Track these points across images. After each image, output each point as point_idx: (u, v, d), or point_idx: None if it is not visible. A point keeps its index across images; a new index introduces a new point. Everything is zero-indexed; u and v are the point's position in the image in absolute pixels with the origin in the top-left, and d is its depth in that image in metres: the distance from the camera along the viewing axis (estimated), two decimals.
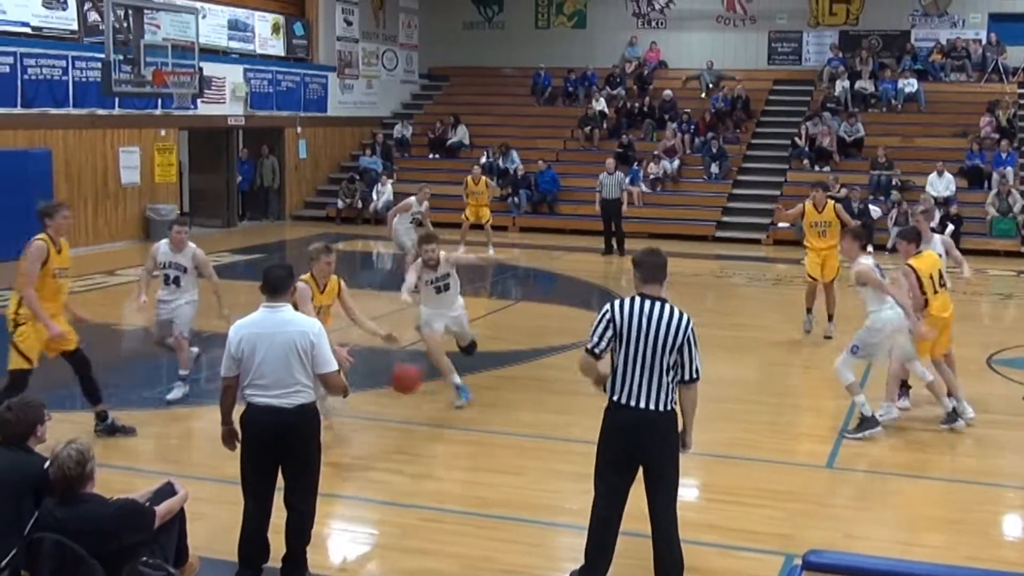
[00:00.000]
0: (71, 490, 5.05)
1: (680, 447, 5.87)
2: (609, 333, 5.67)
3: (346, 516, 7.26)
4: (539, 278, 18.75)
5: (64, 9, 18.86)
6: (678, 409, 5.81)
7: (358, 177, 24.87)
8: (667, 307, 5.70)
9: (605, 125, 26.16)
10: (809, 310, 13.14)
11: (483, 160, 25.02)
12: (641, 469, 5.77)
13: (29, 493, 5.17)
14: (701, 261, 19.49)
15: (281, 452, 5.86)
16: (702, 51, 28.04)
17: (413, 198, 16.35)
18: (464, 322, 10.26)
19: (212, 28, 21.96)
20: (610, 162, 20.65)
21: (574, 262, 19.39)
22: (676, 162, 24.33)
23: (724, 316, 14.72)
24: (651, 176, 23.99)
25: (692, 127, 25.38)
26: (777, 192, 23.35)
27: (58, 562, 4.82)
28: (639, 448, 5.71)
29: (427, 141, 26.75)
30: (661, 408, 5.67)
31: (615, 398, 5.71)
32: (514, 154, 24.79)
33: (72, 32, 19.05)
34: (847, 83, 25.66)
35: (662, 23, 29.10)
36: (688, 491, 8.06)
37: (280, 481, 5.99)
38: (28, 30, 18.28)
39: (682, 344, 5.66)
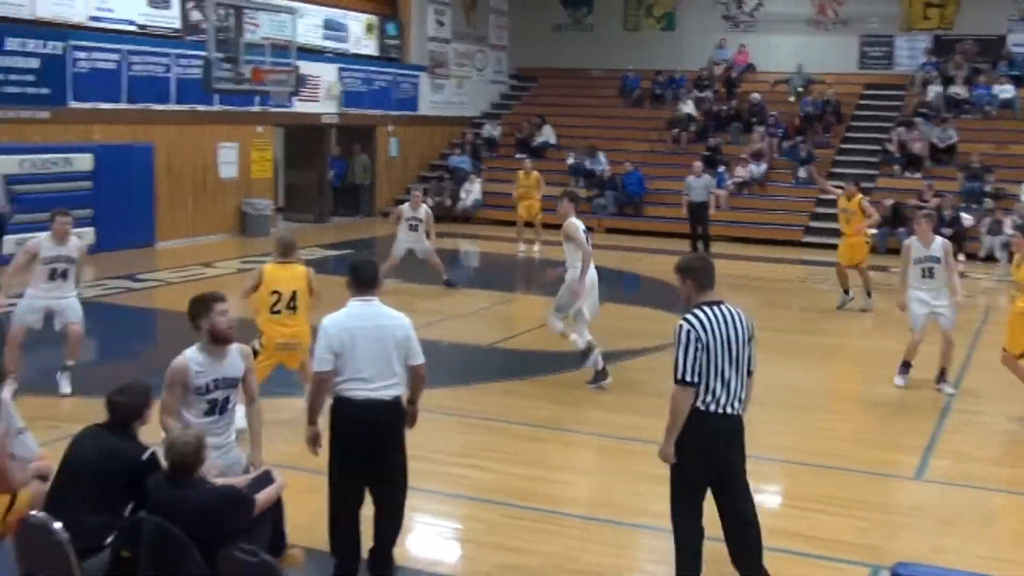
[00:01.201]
0: (182, 474, 5.18)
1: None
2: (699, 353, 5.50)
3: (431, 510, 7.31)
4: (624, 280, 18.79)
5: (168, 8, 19.37)
6: None
7: (447, 176, 25.17)
8: (733, 309, 5.70)
9: (692, 128, 26.08)
10: (846, 291, 15.03)
11: (570, 161, 25.18)
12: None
13: (124, 480, 5.28)
14: (787, 266, 19.35)
15: (378, 445, 5.88)
16: (791, 54, 27.73)
17: (406, 205, 15.96)
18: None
19: (308, 27, 22.36)
20: (697, 165, 20.59)
21: (659, 264, 19.34)
22: (763, 166, 24.17)
23: (810, 323, 14.63)
24: (738, 179, 23.86)
25: (780, 131, 25.17)
26: (867, 197, 23.01)
27: (157, 544, 4.91)
28: (728, 455, 5.68)
29: (514, 141, 26.97)
30: (741, 410, 5.69)
31: (704, 408, 5.57)
32: (601, 156, 24.85)
33: (175, 31, 19.55)
34: (940, 88, 25.17)
35: (752, 26, 28.88)
36: (773, 498, 8.09)
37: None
38: (134, 28, 18.80)
39: (751, 338, 5.70)
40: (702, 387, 5.55)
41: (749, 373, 5.72)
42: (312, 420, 6.00)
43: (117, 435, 5.43)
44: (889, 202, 21.66)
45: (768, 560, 6.27)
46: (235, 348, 6.11)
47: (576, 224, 10.49)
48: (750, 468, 8.27)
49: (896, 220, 21.34)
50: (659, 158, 25.67)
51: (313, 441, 6.01)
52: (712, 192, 20.58)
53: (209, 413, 5.94)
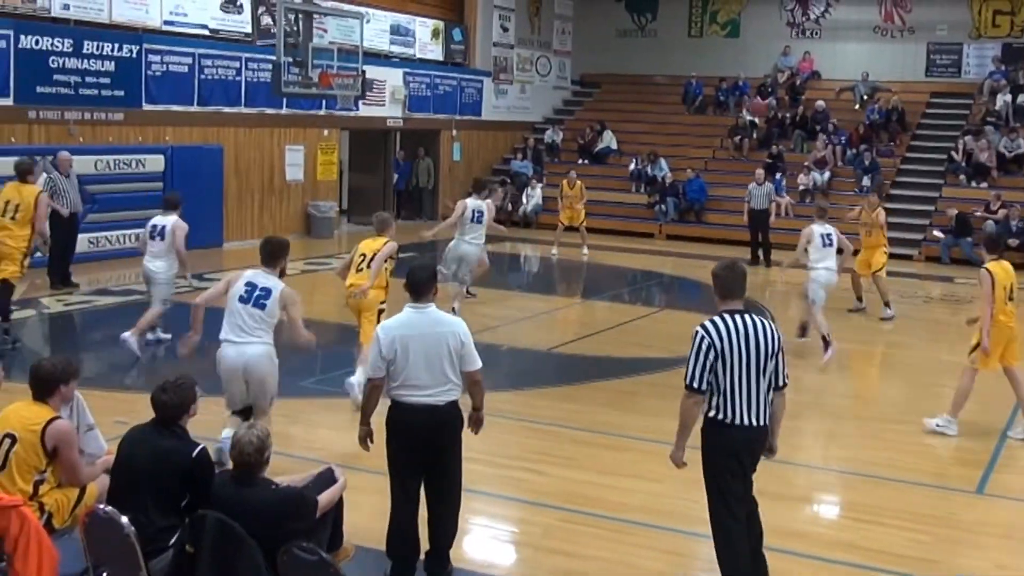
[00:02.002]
0: (246, 473, 5.21)
1: (767, 453, 5.89)
2: (711, 360, 5.52)
3: (488, 513, 7.39)
4: (684, 286, 18.76)
5: (239, 13, 19.67)
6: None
7: (509, 180, 25.29)
8: (757, 319, 5.66)
9: (755, 135, 25.94)
10: (859, 298, 15.48)
11: (631, 167, 25.19)
12: None
13: (178, 479, 5.30)
14: (848, 275, 19.16)
15: (433, 449, 5.94)
16: (857, 62, 27.46)
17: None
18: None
19: (375, 32, 22.64)
20: (759, 172, 20.52)
21: None
22: (827, 174, 23.95)
23: (873, 334, 14.51)
24: (801, 187, 23.67)
25: (843, 139, 24.94)
26: (931, 207, 22.75)
27: (219, 539, 4.95)
28: (747, 463, 5.73)
29: (576, 147, 27.03)
30: (764, 423, 5.67)
31: (723, 418, 5.60)
32: (662, 162, 24.81)
33: (246, 35, 19.84)
34: (1009, 97, 24.70)
35: (817, 33, 28.65)
36: (832, 509, 8.10)
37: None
38: (206, 32, 19.14)
39: (777, 352, 5.64)
40: (720, 398, 5.56)
41: (779, 388, 5.70)
42: (364, 421, 6.10)
43: (165, 433, 5.44)
44: (953, 211, 21.40)
45: (828, 573, 6.30)
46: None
47: (463, 204, 13.67)
48: (809, 478, 8.33)
49: (961, 230, 21.07)
50: (721, 165, 25.59)
51: (364, 440, 6.14)
52: (773, 200, 20.47)
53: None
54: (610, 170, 26.10)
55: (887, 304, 15.07)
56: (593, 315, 15.62)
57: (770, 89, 27.45)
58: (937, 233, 21.38)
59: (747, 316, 5.63)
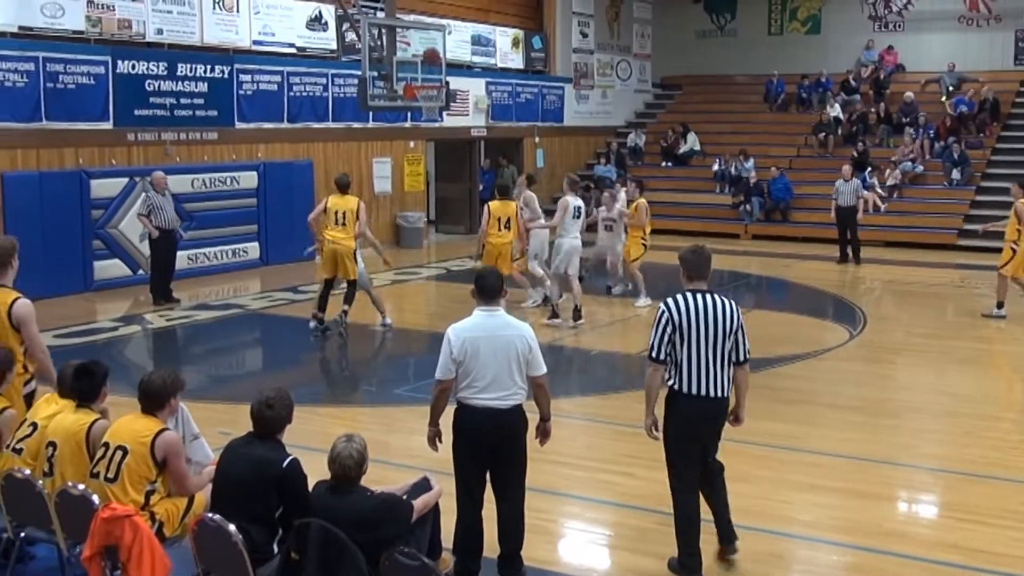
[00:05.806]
0: (345, 483, 5.32)
1: (732, 422, 6.34)
2: (669, 332, 6.02)
3: (582, 516, 7.45)
4: (772, 286, 18.62)
5: (325, 30, 20.08)
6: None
7: (593, 185, 25.33)
8: (718, 298, 6.11)
9: (840, 131, 25.61)
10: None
11: (715, 167, 25.06)
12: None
13: (272, 488, 5.40)
14: (941, 270, 18.86)
15: (498, 452, 6.02)
16: (943, 53, 26.89)
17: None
18: None
19: (457, 44, 22.88)
20: (846, 169, 20.25)
21: (807, 270, 19.15)
22: (920, 167, 23.56)
23: (966, 328, 14.24)
24: (889, 183, 23.30)
25: (931, 132, 24.46)
26: None
27: (323, 546, 5.02)
28: (704, 433, 6.23)
29: (659, 149, 26.99)
30: (722, 394, 6.12)
31: (682, 389, 6.08)
32: (750, 161, 24.61)
33: (331, 51, 20.18)
34: None
35: (900, 25, 28.15)
36: (928, 508, 8.03)
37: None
38: (293, 50, 19.60)
39: (736, 329, 6.10)
40: (677, 370, 6.08)
41: (740, 363, 6.17)
42: (433, 422, 6.22)
43: (262, 445, 5.54)
44: None
45: (926, 573, 6.25)
46: None
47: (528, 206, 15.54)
48: (907, 477, 8.30)
49: None
50: (805, 163, 25.31)
51: (432, 440, 6.27)
52: (861, 196, 20.20)
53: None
54: (693, 171, 26.02)
55: (998, 304, 14.47)
56: None
57: (854, 85, 27.07)
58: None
59: (708, 296, 6.10)
